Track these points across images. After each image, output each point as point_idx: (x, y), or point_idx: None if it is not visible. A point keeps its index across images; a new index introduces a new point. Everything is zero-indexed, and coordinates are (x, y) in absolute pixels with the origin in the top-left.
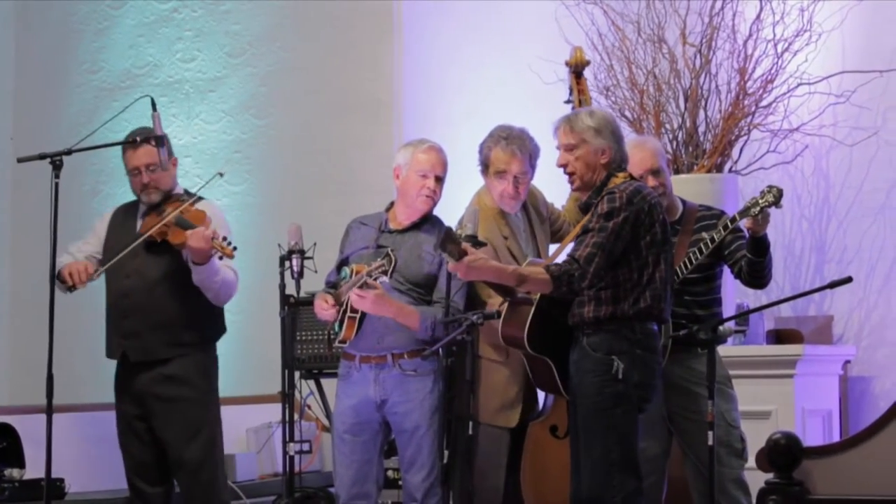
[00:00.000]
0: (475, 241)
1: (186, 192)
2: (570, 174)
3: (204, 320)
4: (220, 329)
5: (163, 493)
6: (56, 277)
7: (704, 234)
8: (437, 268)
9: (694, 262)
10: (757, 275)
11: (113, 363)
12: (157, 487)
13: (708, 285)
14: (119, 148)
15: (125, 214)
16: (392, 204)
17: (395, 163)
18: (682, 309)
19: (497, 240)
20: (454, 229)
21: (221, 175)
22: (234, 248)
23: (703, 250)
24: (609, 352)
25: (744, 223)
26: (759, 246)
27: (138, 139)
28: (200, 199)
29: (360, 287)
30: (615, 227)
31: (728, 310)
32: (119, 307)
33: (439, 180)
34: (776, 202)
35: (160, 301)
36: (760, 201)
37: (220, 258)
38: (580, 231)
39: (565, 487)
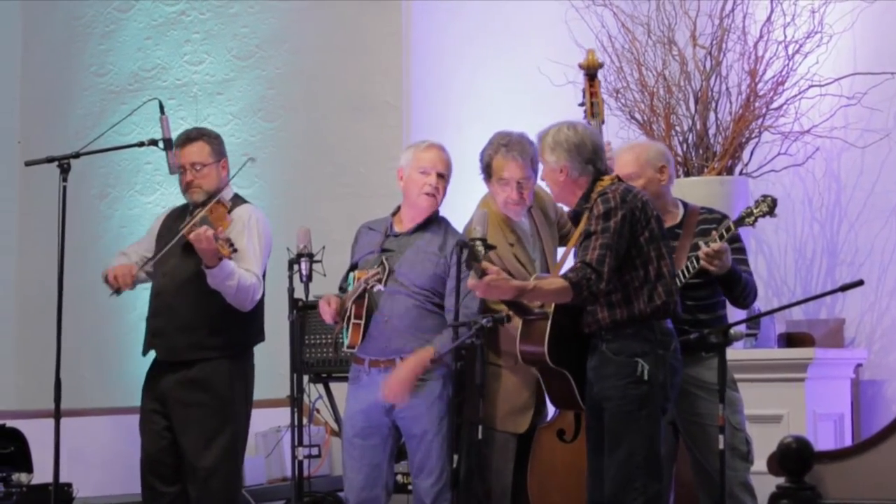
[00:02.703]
0: (485, 244)
1: (237, 195)
2: None
3: (233, 326)
4: (252, 337)
5: (177, 494)
6: (104, 280)
7: (701, 243)
8: (444, 269)
9: (692, 269)
10: (734, 302)
11: (121, 368)
12: (171, 487)
13: (710, 289)
14: (127, 151)
15: (178, 214)
16: (399, 208)
17: (399, 165)
18: (686, 314)
19: (503, 247)
20: (465, 234)
21: (253, 160)
22: (235, 250)
23: (696, 264)
24: (632, 354)
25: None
26: (726, 282)
27: (146, 141)
28: (244, 202)
29: (361, 301)
30: (616, 225)
31: (738, 313)
32: (152, 305)
33: (441, 177)
34: (770, 212)
35: (187, 302)
36: (755, 211)
37: (220, 259)
38: (582, 237)
39: (572, 491)
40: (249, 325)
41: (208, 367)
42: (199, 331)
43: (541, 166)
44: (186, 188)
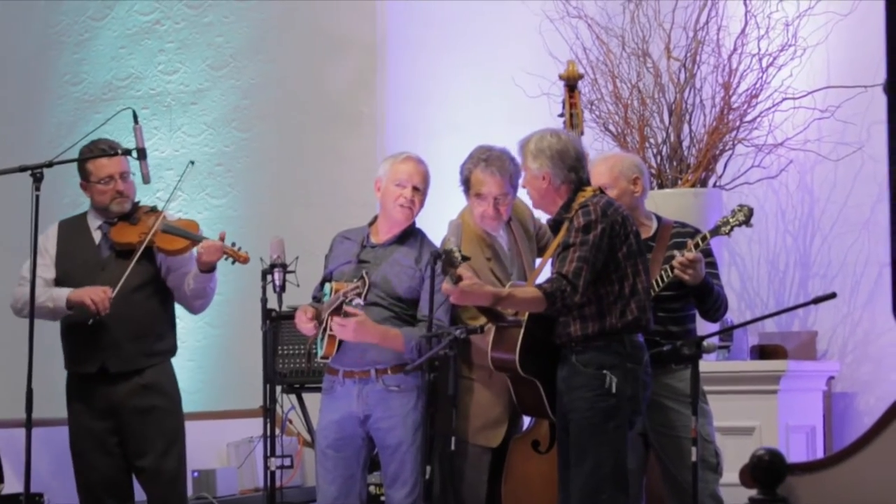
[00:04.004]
0: (459, 254)
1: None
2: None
3: (171, 329)
4: (176, 339)
5: None
6: (67, 306)
7: (676, 252)
8: (419, 282)
9: (666, 279)
10: (704, 315)
11: None
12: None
13: (682, 302)
14: None
15: (75, 228)
16: (375, 218)
17: (377, 176)
18: (657, 326)
19: (480, 262)
20: (441, 247)
21: (192, 163)
22: (246, 252)
23: (670, 273)
24: (600, 367)
25: (677, 272)
26: (699, 293)
27: (120, 151)
28: (165, 211)
29: (339, 313)
30: (595, 238)
31: (710, 325)
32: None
33: (417, 190)
34: (746, 221)
35: (138, 310)
36: (731, 220)
37: (233, 263)
38: (560, 247)
39: (546, 502)
40: (175, 328)
41: (155, 372)
42: (149, 337)
43: (522, 174)
44: (115, 198)
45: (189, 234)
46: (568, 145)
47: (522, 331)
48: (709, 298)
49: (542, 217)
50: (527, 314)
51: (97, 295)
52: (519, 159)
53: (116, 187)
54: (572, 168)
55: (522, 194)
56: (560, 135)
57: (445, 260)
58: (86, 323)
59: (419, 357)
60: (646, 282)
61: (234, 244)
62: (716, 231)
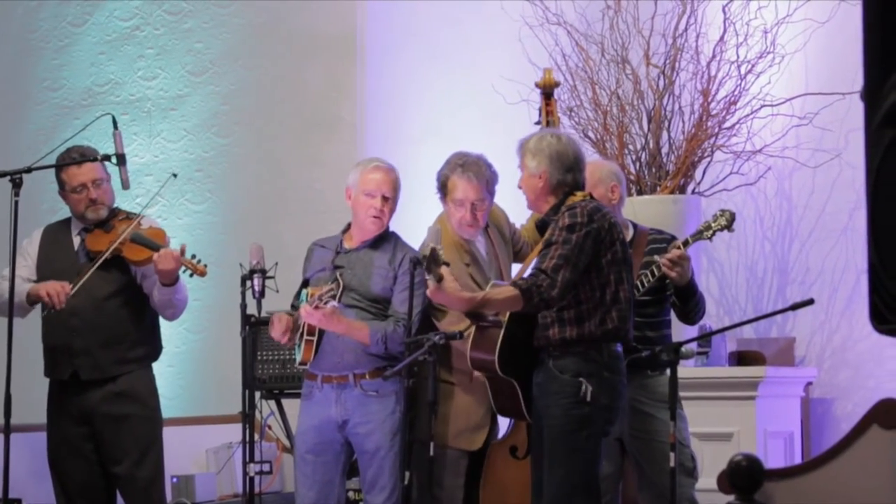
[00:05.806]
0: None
1: (119, 209)
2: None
3: (150, 337)
4: (160, 346)
5: None
6: (28, 301)
7: (656, 257)
8: (393, 282)
9: (646, 284)
10: (684, 317)
11: None
12: None
13: (659, 307)
14: None
15: (57, 234)
16: (349, 225)
17: (347, 184)
18: (634, 331)
19: (459, 268)
20: (426, 249)
21: (175, 176)
22: (205, 265)
23: (655, 273)
24: (577, 374)
25: (664, 270)
26: (683, 294)
27: (99, 157)
28: (142, 216)
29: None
30: (579, 239)
31: (690, 331)
32: (68, 325)
33: (386, 199)
34: (728, 226)
35: (110, 318)
36: (713, 225)
37: (191, 275)
38: (543, 245)
39: None
40: (158, 336)
41: (130, 379)
42: (122, 345)
43: (519, 172)
44: (89, 206)
45: (153, 245)
46: (568, 147)
47: (502, 332)
48: (692, 299)
49: (518, 222)
50: (507, 315)
51: (54, 288)
52: (518, 158)
53: (89, 195)
54: (569, 170)
55: (498, 200)
56: (561, 136)
57: (430, 258)
58: (59, 325)
59: (385, 350)
60: (628, 291)
61: (193, 256)
62: (698, 235)
